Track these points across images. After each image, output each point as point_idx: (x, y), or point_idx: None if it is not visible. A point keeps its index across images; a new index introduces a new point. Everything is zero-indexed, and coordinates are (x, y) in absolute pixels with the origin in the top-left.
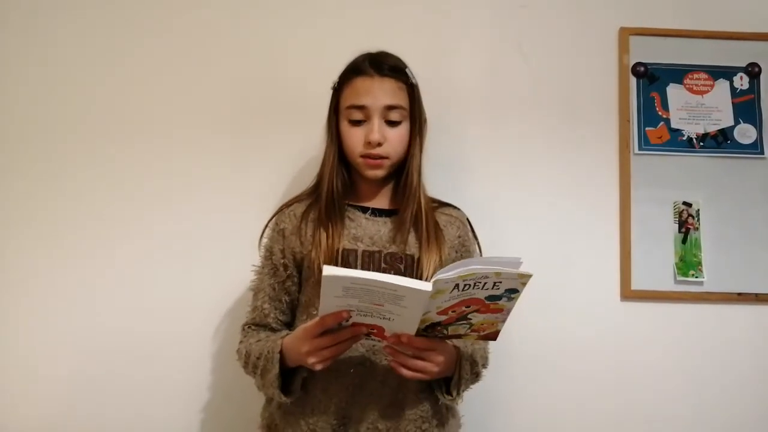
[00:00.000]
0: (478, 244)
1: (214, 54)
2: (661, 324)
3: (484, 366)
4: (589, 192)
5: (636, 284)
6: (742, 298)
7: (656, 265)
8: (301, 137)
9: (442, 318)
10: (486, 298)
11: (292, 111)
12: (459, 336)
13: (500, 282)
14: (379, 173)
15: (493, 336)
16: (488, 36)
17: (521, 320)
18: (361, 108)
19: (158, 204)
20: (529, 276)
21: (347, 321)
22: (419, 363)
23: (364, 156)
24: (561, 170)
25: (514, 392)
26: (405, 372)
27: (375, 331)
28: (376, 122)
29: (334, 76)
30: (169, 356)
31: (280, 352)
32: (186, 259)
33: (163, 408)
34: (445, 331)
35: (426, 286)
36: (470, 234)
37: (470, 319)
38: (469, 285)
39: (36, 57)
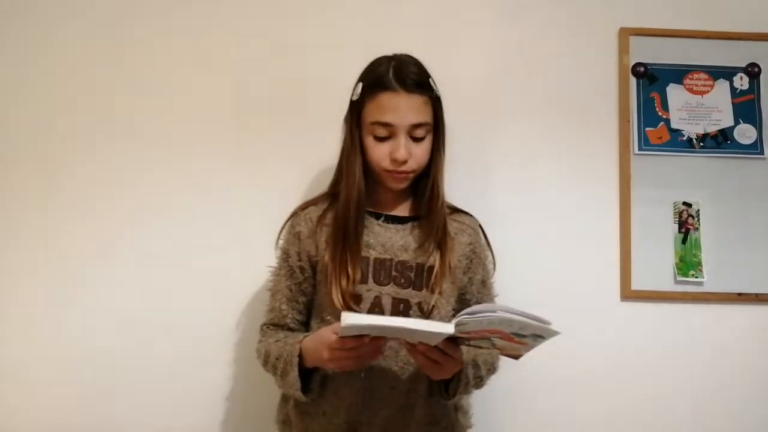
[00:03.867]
0: (491, 250)
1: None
2: (661, 324)
3: (491, 371)
4: (589, 192)
5: (636, 284)
6: (742, 298)
7: (656, 266)
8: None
9: (465, 336)
10: (512, 333)
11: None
12: (481, 347)
13: (526, 328)
14: (402, 186)
15: (515, 357)
16: (488, 36)
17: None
18: (386, 125)
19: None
20: (556, 333)
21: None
22: (434, 369)
23: (388, 171)
24: (561, 170)
25: (513, 392)
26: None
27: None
28: (402, 140)
29: (332, 76)
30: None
31: (299, 355)
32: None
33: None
34: (467, 343)
35: (447, 328)
36: (482, 241)
37: (493, 341)
38: (494, 323)
39: (38, 57)
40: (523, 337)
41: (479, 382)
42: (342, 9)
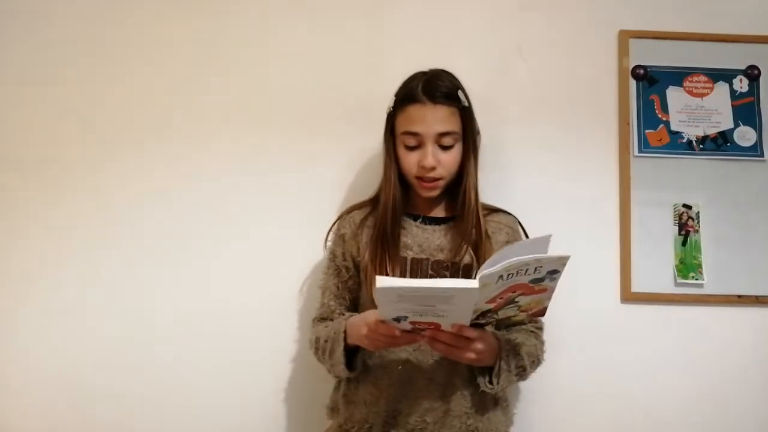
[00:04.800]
0: None
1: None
2: (661, 326)
3: (534, 364)
4: (589, 195)
5: (636, 286)
6: (742, 300)
7: (656, 268)
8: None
9: (491, 305)
10: (530, 281)
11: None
12: (509, 318)
13: (541, 266)
14: (433, 194)
15: (541, 312)
16: (488, 39)
17: None
18: (414, 135)
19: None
20: (567, 257)
21: (404, 320)
22: (455, 351)
23: (418, 178)
24: (561, 173)
25: (514, 393)
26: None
27: (432, 327)
28: (430, 148)
29: (335, 76)
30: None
31: (344, 331)
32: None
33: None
34: (495, 316)
35: (472, 283)
36: (522, 238)
37: (518, 301)
38: (512, 274)
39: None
40: (541, 281)
41: (522, 372)
42: (341, 9)
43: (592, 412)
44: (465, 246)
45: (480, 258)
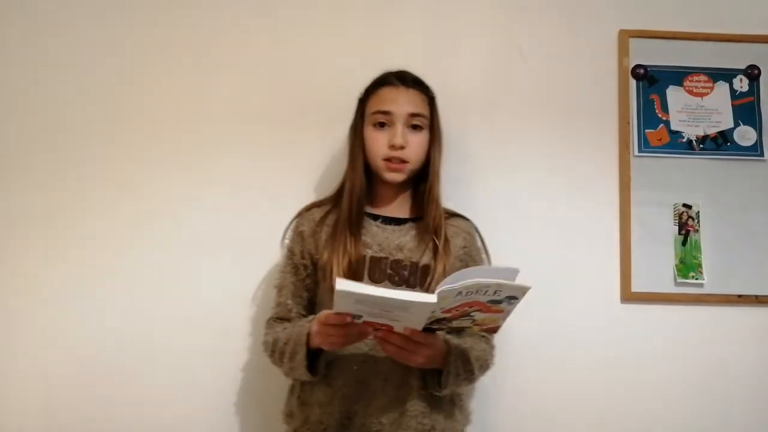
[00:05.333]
0: (487, 254)
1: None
2: (661, 326)
3: (483, 368)
4: (589, 194)
5: (636, 286)
6: (742, 299)
7: (656, 267)
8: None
9: (447, 315)
10: (488, 301)
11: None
12: (462, 329)
13: (501, 290)
14: (398, 177)
15: (494, 330)
16: (488, 38)
17: (522, 322)
18: (386, 113)
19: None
20: (528, 288)
21: (359, 320)
22: (404, 354)
23: (386, 159)
24: (561, 173)
25: (514, 392)
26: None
27: (384, 328)
28: (400, 128)
29: (336, 75)
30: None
31: (308, 334)
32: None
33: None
34: (449, 324)
35: (431, 298)
36: (478, 245)
37: (473, 316)
38: (472, 292)
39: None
40: (498, 303)
41: (470, 376)
42: (342, 9)
43: (592, 412)
44: (428, 246)
45: (438, 258)
